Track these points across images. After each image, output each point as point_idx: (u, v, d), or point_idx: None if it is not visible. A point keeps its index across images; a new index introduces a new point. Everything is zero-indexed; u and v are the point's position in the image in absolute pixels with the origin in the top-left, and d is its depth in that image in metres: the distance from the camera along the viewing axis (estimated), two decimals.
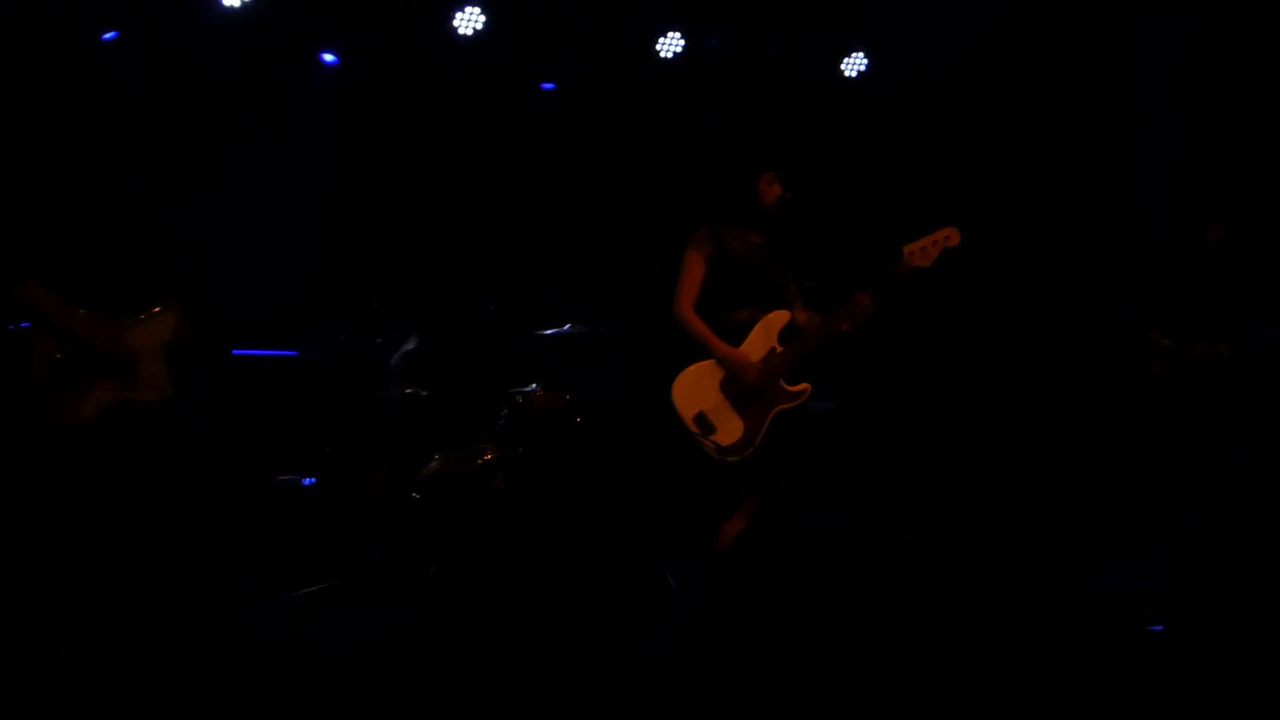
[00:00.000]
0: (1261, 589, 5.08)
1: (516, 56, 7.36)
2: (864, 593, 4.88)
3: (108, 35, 6.64)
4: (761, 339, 4.76)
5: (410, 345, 6.53)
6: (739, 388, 4.69)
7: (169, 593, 4.16)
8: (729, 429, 4.67)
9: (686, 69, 7.47)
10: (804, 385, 4.74)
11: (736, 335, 4.75)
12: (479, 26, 7.09)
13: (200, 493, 4.61)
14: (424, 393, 6.39)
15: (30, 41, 6.41)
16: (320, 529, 6.22)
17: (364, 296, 6.91)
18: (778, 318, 4.79)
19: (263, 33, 6.95)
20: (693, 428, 4.65)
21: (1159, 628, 5.30)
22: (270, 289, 6.80)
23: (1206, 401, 5.53)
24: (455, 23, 7.08)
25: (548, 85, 7.67)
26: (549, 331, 6.81)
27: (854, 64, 7.67)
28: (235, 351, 6.22)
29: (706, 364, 4.73)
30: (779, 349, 4.74)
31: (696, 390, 4.70)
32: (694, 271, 4.81)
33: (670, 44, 7.41)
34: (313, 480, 6.45)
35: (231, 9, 6.68)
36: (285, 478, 6.43)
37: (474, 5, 7.05)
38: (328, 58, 7.29)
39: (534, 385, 6.51)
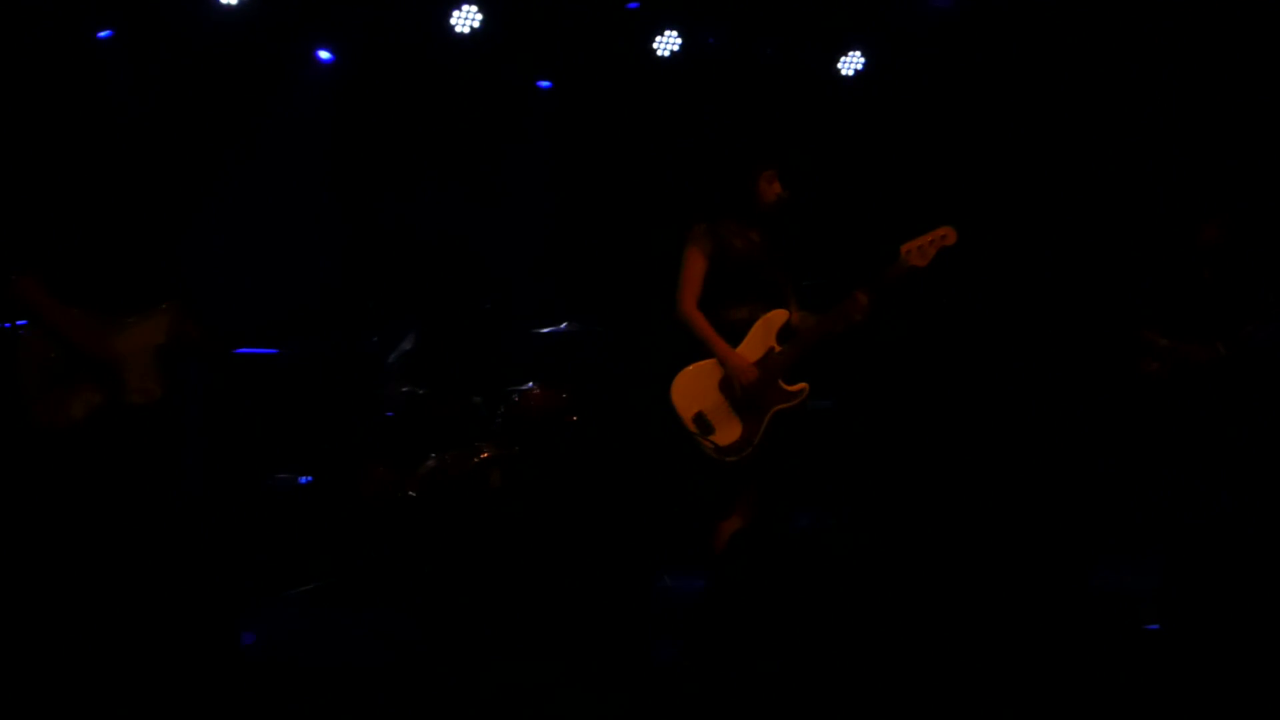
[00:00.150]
0: (1258, 588, 5.08)
1: (513, 55, 7.35)
2: (861, 591, 4.88)
3: (103, 34, 6.63)
4: (760, 338, 4.75)
5: (407, 344, 6.52)
6: (738, 388, 4.68)
7: (156, 596, 4.14)
8: (728, 429, 4.67)
9: (684, 67, 7.46)
10: (802, 385, 4.74)
11: (735, 333, 4.75)
12: (475, 24, 7.08)
13: (189, 495, 4.61)
14: (420, 391, 6.38)
15: (25, 40, 6.39)
16: (317, 527, 6.22)
17: (359, 295, 6.90)
18: (777, 316, 4.78)
19: (258, 30, 6.93)
20: (692, 427, 4.65)
21: (1155, 626, 5.31)
22: (266, 287, 6.80)
23: (1202, 401, 5.54)
24: (452, 20, 7.07)
25: (544, 84, 7.66)
26: (546, 330, 6.81)
27: (851, 62, 7.67)
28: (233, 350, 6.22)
29: (706, 364, 4.72)
30: (777, 348, 4.73)
31: (695, 390, 4.69)
32: (695, 269, 4.79)
33: (667, 42, 7.40)
34: (309, 479, 6.45)
35: (228, 6, 6.67)
36: (282, 476, 6.42)
37: (471, 3, 7.04)
38: (323, 55, 7.28)
39: (530, 383, 6.50)
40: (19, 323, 4.47)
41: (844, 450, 6.98)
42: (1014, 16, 7.22)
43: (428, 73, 7.38)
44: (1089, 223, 7.15)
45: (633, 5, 7.25)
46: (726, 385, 4.70)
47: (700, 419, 4.66)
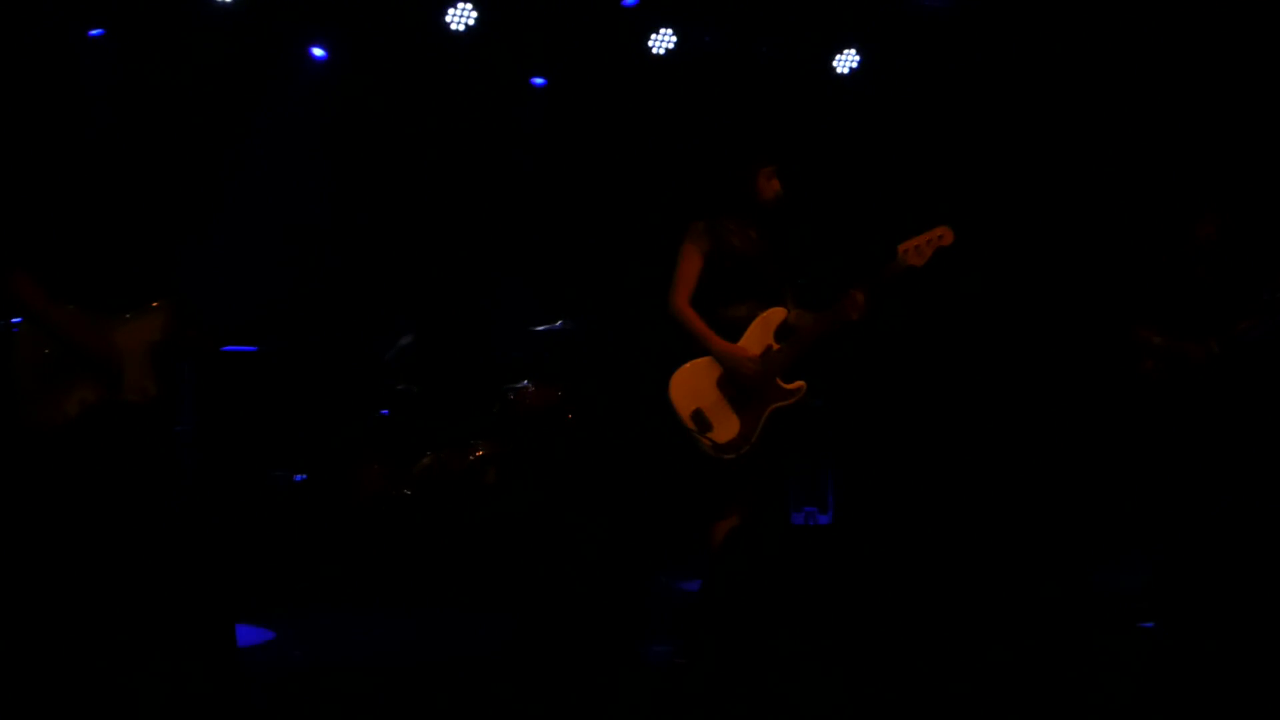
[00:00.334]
0: (1254, 587, 5.10)
1: (508, 53, 7.34)
2: (858, 589, 4.88)
3: (94, 32, 6.61)
4: (758, 336, 4.74)
5: (405, 341, 6.52)
6: (736, 385, 4.67)
7: (152, 595, 4.13)
8: (725, 427, 4.66)
9: (679, 65, 7.47)
10: (799, 383, 4.74)
11: (733, 331, 4.74)
12: (470, 22, 7.08)
13: (184, 493, 4.60)
14: (416, 389, 6.38)
15: (19, 38, 6.38)
16: (313, 526, 6.21)
17: (354, 293, 6.90)
18: (775, 314, 4.77)
19: (252, 28, 6.92)
20: (689, 425, 4.64)
21: (1149, 624, 5.32)
22: (262, 285, 6.79)
23: (1197, 399, 5.55)
24: (447, 18, 7.06)
25: (540, 81, 7.66)
26: (541, 328, 6.81)
27: (846, 60, 7.68)
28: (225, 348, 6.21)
29: (703, 361, 4.72)
30: (776, 346, 4.73)
31: (693, 387, 4.68)
32: (691, 265, 4.78)
33: (662, 40, 7.41)
34: (303, 477, 6.44)
35: (222, 4, 6.66)
36: (277, 474, 6.41)
37: (465, 1, 7.03)
38: (317, 53, 7.27)
39: (525, 381, 6.51)
40: (13, 320, 4.46)
41: (841, 449, 7.00)
42: (1009, 15, 7.23)
43: (422, 70, 7.37)
44: (1084, 221, 7.16)
45: (628, 4, 7.25)
46: (724, 383, 4.69)
47: (698, 416, 4.66)
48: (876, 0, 7.43)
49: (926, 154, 7.48)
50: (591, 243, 7.64)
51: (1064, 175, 7.31)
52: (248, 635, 5.42)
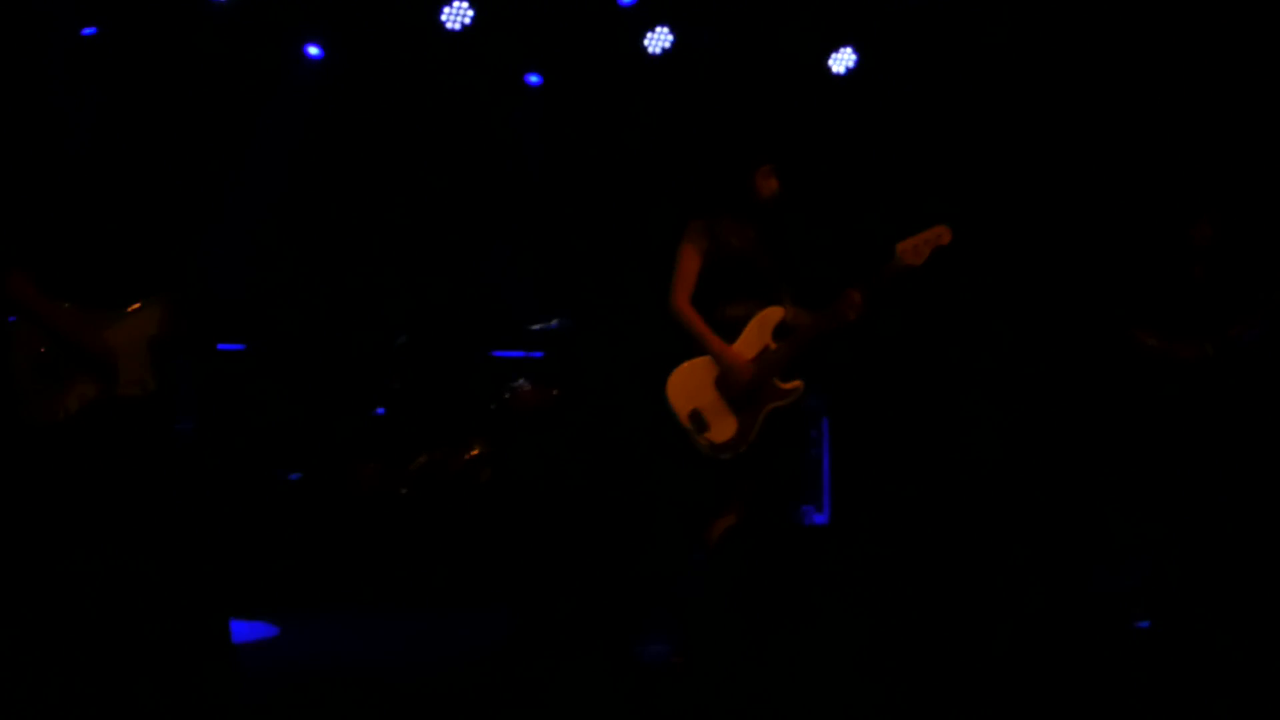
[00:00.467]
0: (1249, 586, 5.11)
1: (505, 51, 7.34)
2: (855, 588, 4.89)
3: (86, 30, 6.60)
4: (756, 335, 4.74)
5: (403, 339, 6.52)
6: (734, 385, 4.67)
7: (153, 590, 4.13)
8: (723, 426, 4.66)
9: (676, 64, 7.47)
10: (796, 383, 4.74)
11: (730, 331, 4.74)
12: (467, 20, 7.08)
13: (186, 489, 4.59)
14: (413, 386, 6.38)
15: (11, 35, 6.37)
16: (308, 523, 6.21)
17: (348, 290, 6.89)
18: (772, 314, 4.77)
19: (248, 25, 6.91)
20: (687, 424, 4.64)
21: (1145, 624, 5.33)
22: (256, 283, 6.78)
23: (1192, 400, 5.56)
24: (443, 17, 7.06)
25: (535, 80, 7.65)
26: (537, 326, 6.81)
27: (841, 59, 7.68)
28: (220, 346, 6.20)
29: (701, 361, 4.72)
30: (773, 346, 4.73)
31: (691, 387, 4.68)
32: (689, 265, 4.78)
33: (658, 39, 7.41)
34: (298, 475, 6.44)
35: (218, 2, 6.65)
36: (273, 472, 6.41)
37: (462, 0, 7.03)
38: (313, 51, 7.26)
39: (520, 380, 6.51)
40: (9, 319, 4.45)
41: (837, 448, 7.00)
42: (1004, 14, 7.23)
43: (418, 69, 7.36)
44: (1082, 221, 7.16)
45: (624, 3, 7.25)
46: (722, 382, 4.69)
47: (696, 416, 4.65)
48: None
49: (924, 153, 7.49)
50: (589, 242, 7.63)
51: (1061, 175, 7.31)
52: (249, 631, 5.43)
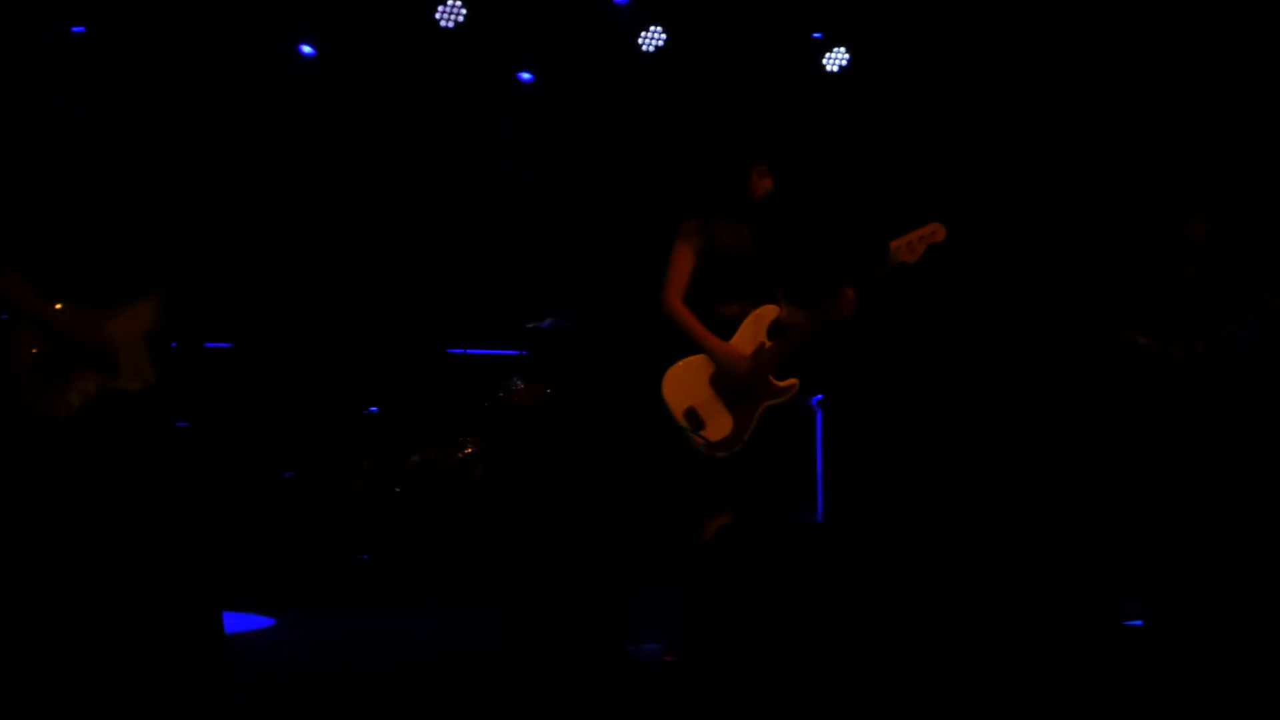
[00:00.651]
0: (1243, 585, 5.12)
1: (498, 50, 7.34)
2: (851, 587, 4.89)
3: (77, 29, 6.59)
4: (751, 334, 4.74)
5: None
6: (729, 383, 4.67)
7: (153, 588, 4.13)
8: (718, 424, 4.66)
9: (670, 63, 7.47)
10: (792, 381, 4.74)
11: (725, 329, 4.74)
12: (460, 19, 7.07)
13: (185, 484, 4.59)
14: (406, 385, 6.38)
15: (4, 35, 6.35)
16: (301, 521, 6.20)
17: (341, 288, 6.88)
18: (767, 312, 4.77)
19: (241, 24, 6.90)
20: (683, 422, 4.64)
21: (1138, 623, 5.34)
22: (250, 281, 6.76)
23: (1183, 399, 5.57)
24: (437, 15, 7.05)
25: (528, 78, 7.65)
26: (531, 325, 6.80)
27: (835, 59, 7.69)
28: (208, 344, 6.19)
29: (697, 359, 4.71)
30: (768, 344, 4.73)
31: (686, 385, 4.68)
32: (683, 264, 4.77)
33: (652, 38, 7.41)
34: (290, 474, 6.43)
35: (212, 1, 6.65)
36: (266, 470, 6.40)
37: None
38: (306, 50, 7.25)
39: (515, 379, 6.50)
40: (2, 317, 4.45)
41: (832, 446, 7.00)
42: (999, 12, 7.24)
43: (412, 67, 7.36)
44: (1075, 220, 7.18)
45: (618, 1, 7.25)
46: (717, 380, 4.69)
47: (691, 414, 4.65)
48: None
49: (918, 151, 7.49)
50: (583, 241, 7.63)
51: (1055, 174, 7.32)
52: (242, 623, 5.43)
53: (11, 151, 6.14)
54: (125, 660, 3.83)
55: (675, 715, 4.18)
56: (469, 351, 6.86)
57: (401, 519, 6.20)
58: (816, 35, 7.50)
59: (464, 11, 7.05)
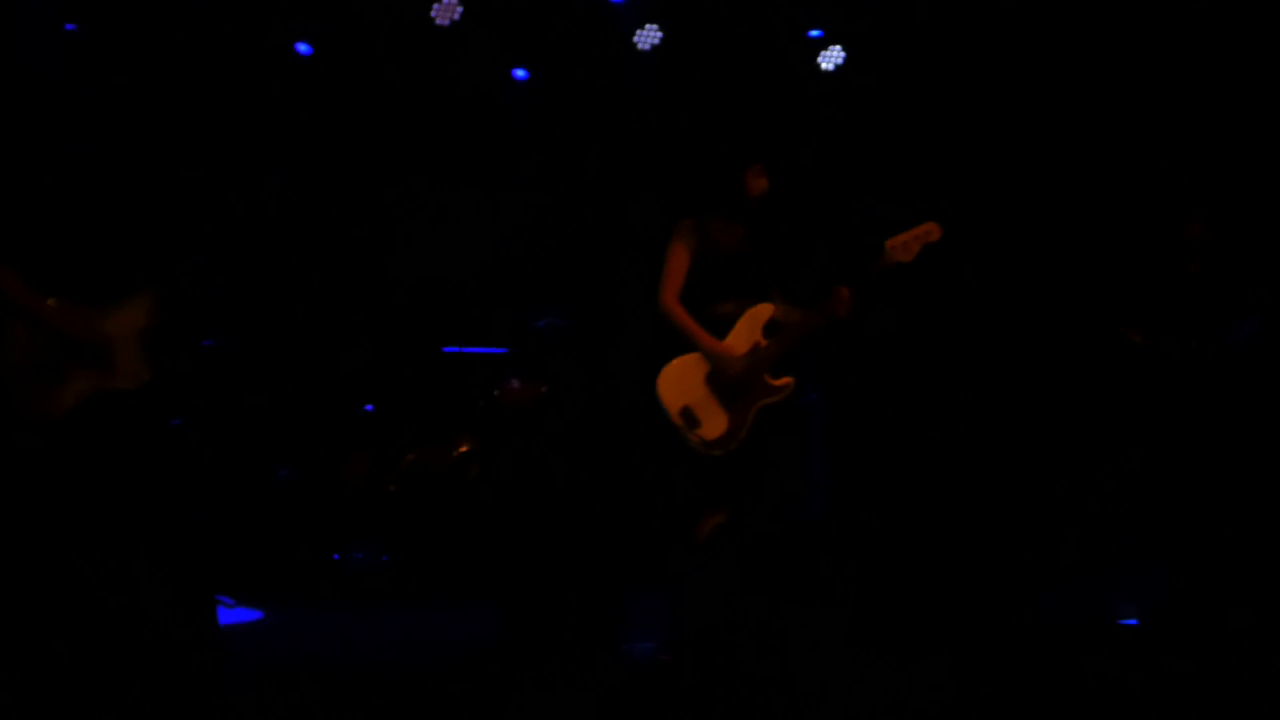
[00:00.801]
0: (1241, 585, 5.12)
1: (494, 48, 7.33)
2: (847, 586, 4.90)
3: (69, 25, 6.58)
4: (746, 332, 4.75)
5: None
6: (724, 382, 4.67)
7: (149, 585, 4.13)
8: (714, 423, 4.66)
9: (665, 61, 7.47)
10: (787, 379, 4.74)
11: (720, 328, 4.74)
12: (455, 16, 7.07)
13: (185, 480, 4.60)
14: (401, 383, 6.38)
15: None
16: (297, 519, 6.20)
17: (337, 284, 6.88)
18: (763, 310, 4.78)
19: (236, 22, 6.89)
20: (678, 422, 4.64)
21: (1133, 621, 5.35)
22: (246, 279, 6.75)
23: (1178, 398, 5.57)
24: (433, 13, 7.05)
25: (523, 75, 7.65)
26: (526, 324, 6.80)
27: (831, 57, 7.68)
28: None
29: (692, 357, 4.72)
30: (763, 343, 4.74)
31: (682, 384, 4.68)
32: (678, 263, 4.78)
33: (648, 36, 7.41)
34: (286, 472, 6.43)
35: None
36: (261, 469, 6.40)
37: None
38: (301, 48, 7.25)
39: (511, 377, 6.50)
40: None
41: (828, 445, 7.00)
42: (995, 10, 7.24)
43: (408, 65, 7.35)
44: (1073, 218, 7.18)
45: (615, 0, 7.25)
46: (713, 379, 4.69)
47: (686, 413, 4.65)
48: None
49: (914, 150, 7.49)
50: (579, 239, 7.63)
51: (1053, 171, 7.32)
52: (233, 615, 5.43)
53: (5, 147, 6.12)
54: (119, 657, 3.82)
55: (670, 714, 4.18)
56: (465, 350, 6.86)
57: (397, 517, 6.20)
58: (812, 34, 7.50)
59: (459, 9, 7.05)
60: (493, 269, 7.40)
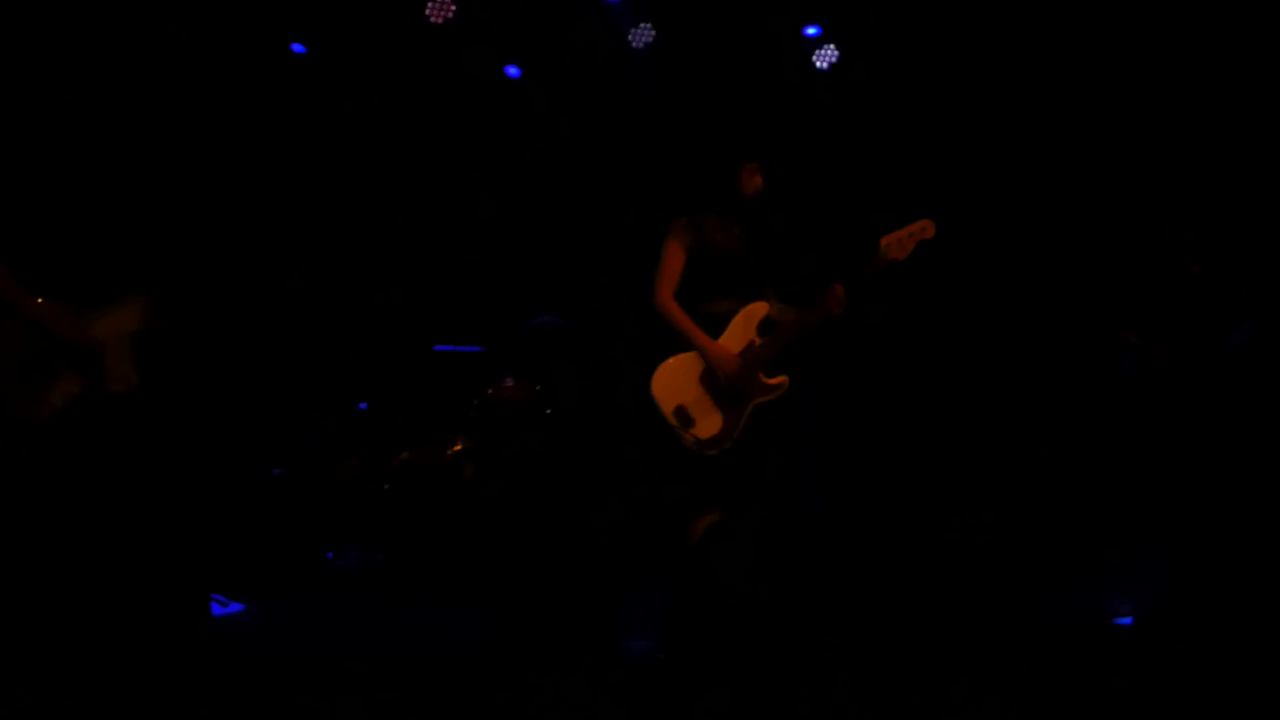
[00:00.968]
0: (1238, 584, 5.13)
1: (489, 46, 7.33)
2: (844, 584, 4.90)
3: (67, 24, 6.57)
4: (741, 331, 4.75)
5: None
6: (719, 381, 4.67)
7: (138, 586, 4.13)
8: (708, 422, 4.66)
9: (660, 60, 7.47)
10: (782, 378, 4.74)
11: (715, 327, 4.74)
12: (449, 15, 7.07)
13: (172, 482, 4.59)
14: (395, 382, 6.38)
15: None
16: (291, 519, 6.20)
17: (330, 284, 6.87)
18: (757, 309, 4.78)
19: (231, 21, 6.88)
20: (672, 420, 4.64)
21: (1128, 620, 5.35)
22: (242, 279, 6.76)
23: (1173, 398, 5.58)
24: (427, 11, 7.05)
25: (517, 73, 7.65)
26: (522, 323, 6.80)
27: (825, 56, 7.69)
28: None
29: (687, 356, 4.72)
30: (758, 341, 4.73)
31: (676, 383, 4.68)
32: (674, 261, 4.78)
33: (643, 35, 7.41)
34: (280, 471, 6.42)
35: None
36: (256, 468, 6.40)
37: None
38: (296, 47, 7.24)
39: (504, 376, 6.49)
40: None
41: (823, 443, 7.00)
42: (992, 8, 7.24)
43: (402, 63, 7.35)
44: (1070, 217, 7.18)
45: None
46: (707, 378, 4.69)
47: (681, 412, 4.65)
48: None
49: (909, 148, 7.49)
50: (574, 238, 7.63)
51: (1049, 170, 7.32)
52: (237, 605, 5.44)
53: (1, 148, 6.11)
54: (112, 653, 3.82)
55: (666, 713, 4.18)
56: (458, 349, 6.85)
57: (391, 516, 6.20)
58: (807, 32, 7.51)
59: (454, 7, 7.05)
60: (487, 267, 7.40)
